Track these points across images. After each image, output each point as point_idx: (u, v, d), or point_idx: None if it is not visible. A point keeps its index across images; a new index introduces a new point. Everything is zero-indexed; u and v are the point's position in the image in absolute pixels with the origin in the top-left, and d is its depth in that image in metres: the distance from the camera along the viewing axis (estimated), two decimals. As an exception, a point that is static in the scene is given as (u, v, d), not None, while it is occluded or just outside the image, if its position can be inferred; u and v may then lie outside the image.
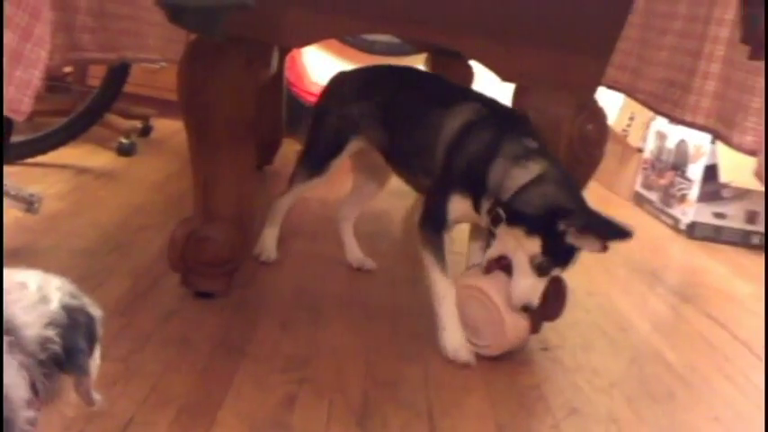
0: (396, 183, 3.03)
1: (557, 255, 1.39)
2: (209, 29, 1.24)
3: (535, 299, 1.42)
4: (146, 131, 3.00)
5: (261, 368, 1.33)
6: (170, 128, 3.04)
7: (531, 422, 1.30)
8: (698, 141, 2.85)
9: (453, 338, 1.46)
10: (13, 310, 0.71)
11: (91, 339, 0.78)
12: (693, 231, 2.87)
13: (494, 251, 1.46)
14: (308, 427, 1.17)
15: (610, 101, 3.14)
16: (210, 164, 1.51)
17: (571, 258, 1.41)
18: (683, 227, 2.89)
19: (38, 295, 0.74)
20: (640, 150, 3.32)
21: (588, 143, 1.53)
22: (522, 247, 1.40)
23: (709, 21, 1.75)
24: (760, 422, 1.45)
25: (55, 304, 0.74)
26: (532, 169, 1.41)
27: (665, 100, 1.77)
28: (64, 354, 0.73)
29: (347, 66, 3.83)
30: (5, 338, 0.68)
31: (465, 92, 1.66)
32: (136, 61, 2.34)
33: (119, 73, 2.48)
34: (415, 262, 2.07)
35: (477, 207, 1.47)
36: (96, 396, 0.78)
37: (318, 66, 3.66)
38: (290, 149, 3.07)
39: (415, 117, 1.60)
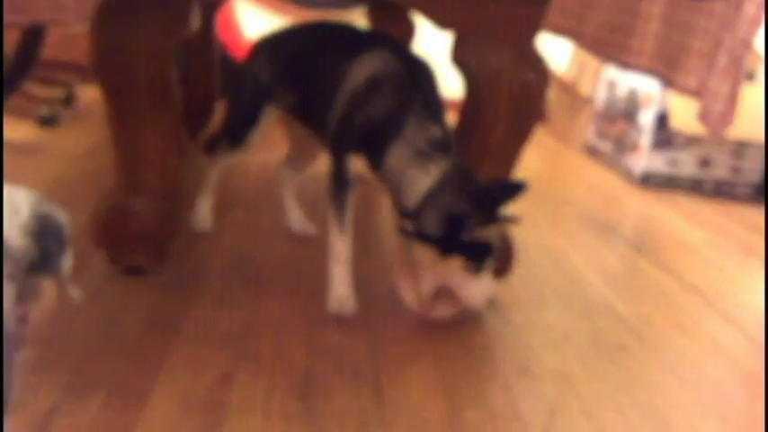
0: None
1: (481, 259, 1.34)
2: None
3: (492, 279, 1.39)
4: (69, 100, 2.83)
5: (196, 346, 1.26)
6: (97, 96, 2.89)
7: (481, 384, 1.26)
8: (648, 89, 2.81)
9: (340, 291, 1.44)
10: None
11: (60, 243, 0.85)
12: (646, 180, 2.85)
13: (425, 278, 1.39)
14: (245, 405, 1.12)
15: (559, 50, 3.10)
16: (132, 132, 1.42)
17: (492, 252, 1.36)
18: (636, 176, 2.87)
19: (9, 207, 0.80)
20: (591, 100, 3.29)
21: (529, 92, 1.47)
22: (444, 264, 1.34)
23: (652, -40, 1.70)
24: (712, 370, 1.43)
25: (26, 213, 0.81)
26: (432, 173, 1.33)
27: (608, 44, 1.71)
28: (40, 257, 0.81)
29: (285, 22, 3.72)
30: None
31: (375, 38, 1.58)
32: (51, 24, 2.19)
33: (33, 37, 2.32)
34: (358, 228, 2.02)
35: (372, 169, 1.41)
36: (74, 292, 0.88)
37: (255, 24, 3.53)
38: (224, 111, 2.97)
39: (320, 70, 1.52)
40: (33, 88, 2.53)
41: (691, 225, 2.50)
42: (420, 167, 1.33)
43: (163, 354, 1.22)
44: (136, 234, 1.42)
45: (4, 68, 2.32)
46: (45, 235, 0.82)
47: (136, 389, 1.12)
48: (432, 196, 1.32)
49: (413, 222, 1.35)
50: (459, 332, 1.44)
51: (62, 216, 0.87)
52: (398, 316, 1.48)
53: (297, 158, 1.84)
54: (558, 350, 1.43)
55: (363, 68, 1.43)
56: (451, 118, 1.47)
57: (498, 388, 1.26)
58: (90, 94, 2.90)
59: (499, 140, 1.48)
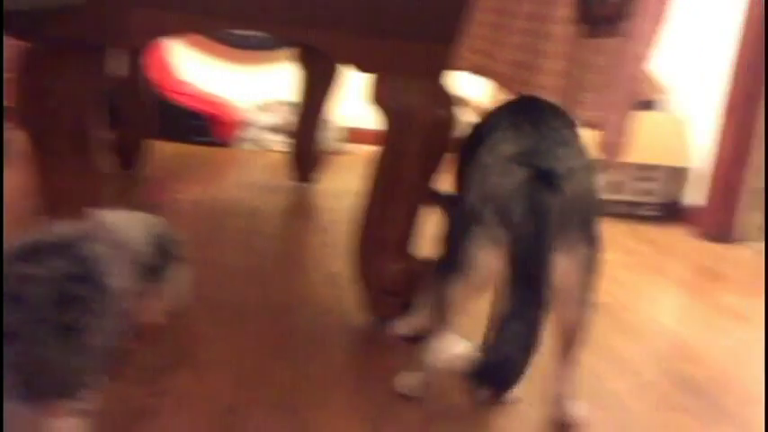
0: (270, 180, 2.99)
1: None
2: (37, 34, 1.17)
3: None
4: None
5: (117, 384, 1.28)
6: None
7: (396, 407, 1.32)
8: (561, 118, 2.96)
9: None
10: (129, 233, 1.03)
11: (176, 257, 1.14)
12: (562, 205, 2.98)
13: None
14: (168, 440, 1.14)
15: (477, 82, 3.23)
16: (54, 174, 1.45)
17: None
18: (553, 201, 3.01)
19: (141, 223, 1.07)
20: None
21: (441, 127, 1.56)
22: None
23: (553, 1, 1.82)
24: (614, 383, 1.53)
25: (152, 230, 1.08)
26: None
27: (515, 81, 1.82)
28: (160, 265, 1.08)
29: (217, 63, 3.77)
30: (122, 254, 1.01)
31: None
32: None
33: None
34: (284, 258, 2.07)
35: None
36: (183, 294, 1.19)
37: (186, 64, 3.57)
38: (159, 152, 2.99)
39: None
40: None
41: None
42: None
43: (85, 392, 1.24)
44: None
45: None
46: (164, 248, 1.09)
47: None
48: None
49: None
50: (379, 358, 1.50)
51: (178, 237, 1.15)
52: (320, 344, 1.54)
53: None
54: (473, 371, 1.50)
55: None
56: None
57: (412, 409, 1.31)
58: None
59: (410, 175, 1.55)
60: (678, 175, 3.06)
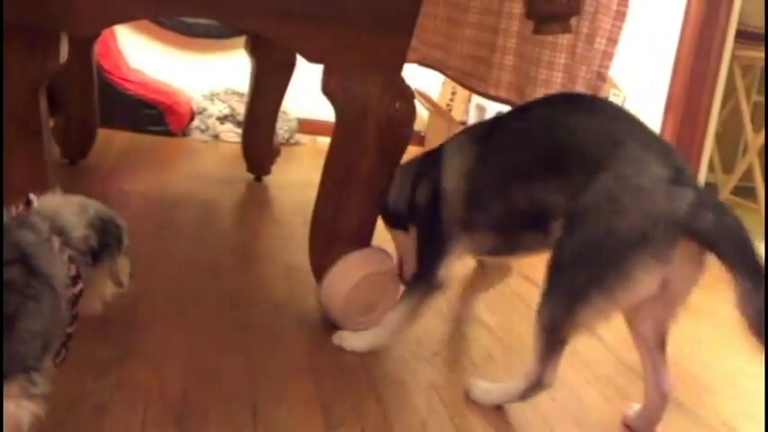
0: (222, 171, 2.96)
1: None
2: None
3: None
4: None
5: (71, 378, 1.25)
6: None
7: (356, 399, 1.32)
8: (514, 113, 2.99)
9: None
10: (65, 218, 1.01)
11: (117, 240, 1.11)
12: (515, 198, 3.02)
13: None
14: (120, 435, 1.12)
15: (433, 77, 3.24)
16: (7, 163, 1.40)
17: None
18: (505, 195, 3.04)
19: (80, 207, 1.06)
20: (464, 124, 3.46)
21: (397, 122, 1.55)
22: None
23: (508, -4, 1.83)
24: (569, 375, 1.56)
25: (91, 213, 1.06)
26: None
27: (471, 75, 1.84)
28: (99, 248, 1.05)
29: (166, 50, 3.70)
30: (58, 239, 0.98)
31: None
32: None
33: None
34: (239, 250, 2.05)
35: None
36: (124, 278, 1.14)
37: (136, 51, 3.49)
38: (107, 141, 2.92)
39: None
40: None
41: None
42: None
43: (35, 388, 1.21)
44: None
45: None
46: (104, 231, 1.06)
47: (6, 426, 1.11)
48: None
49: None
50: (335, 349, 1.50)
51: (121, 221, 1.13)
52: (275, 336, 1.53)
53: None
54: (429, 362, 1.51)
55: None
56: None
57: (373, 402, 1.32)
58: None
59: (368, 169, 1.54)
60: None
